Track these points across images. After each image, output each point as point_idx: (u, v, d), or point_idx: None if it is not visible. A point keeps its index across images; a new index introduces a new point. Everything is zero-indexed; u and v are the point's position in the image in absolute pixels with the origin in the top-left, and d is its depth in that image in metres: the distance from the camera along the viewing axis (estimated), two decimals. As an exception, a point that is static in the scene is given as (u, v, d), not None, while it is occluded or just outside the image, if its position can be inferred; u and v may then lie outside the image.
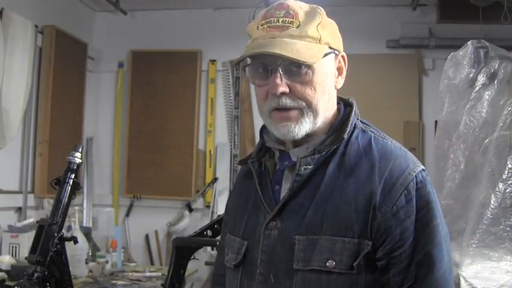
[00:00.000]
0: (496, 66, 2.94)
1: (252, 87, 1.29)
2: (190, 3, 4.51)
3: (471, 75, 2.98)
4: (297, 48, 1.06)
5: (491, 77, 2.93)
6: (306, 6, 1.13)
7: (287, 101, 1.10)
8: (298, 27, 1.09)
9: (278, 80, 1.08)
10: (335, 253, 1.06)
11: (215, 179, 4.41)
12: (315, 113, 1.11)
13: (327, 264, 1.06)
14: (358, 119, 1.19)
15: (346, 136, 1.13)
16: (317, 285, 1.07)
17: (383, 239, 1.06)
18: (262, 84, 1.12)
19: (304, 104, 1.10)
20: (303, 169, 1.12)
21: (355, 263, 1.05)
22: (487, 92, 2.92)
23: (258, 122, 1.20)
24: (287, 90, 1.09)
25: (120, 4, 4.44)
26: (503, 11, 3.78)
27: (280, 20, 1.10)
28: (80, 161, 1.99)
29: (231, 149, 4.50)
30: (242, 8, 4.22)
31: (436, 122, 3.71)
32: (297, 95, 1.10)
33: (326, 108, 1.14)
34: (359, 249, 1.06)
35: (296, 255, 1.09)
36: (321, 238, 1.08)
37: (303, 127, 1.11)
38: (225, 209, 1.38)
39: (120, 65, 4.67)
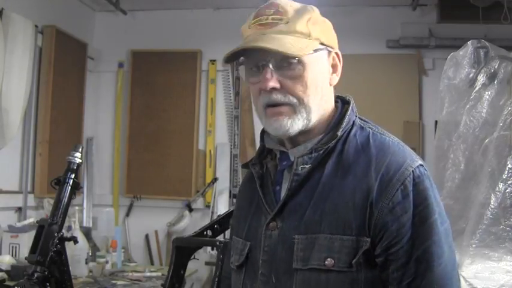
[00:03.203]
0: (496, 66, 2.95)
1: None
2: (190, 3, 4.51)
3: (471, 75, 2.98)
4: (283, 42, 1.07)
5: (491, 77, 2.93)
6: (296, 5, 1.13)
7: (278, 96, 1.10)
8: (286, 23, 1.10)
9: (268, 75, 1.09)
10: (333, 251, 1.06)
11: (215, 179, 4.41)
12: (307, 109, 1.11)
13: (326, 262, 1.06)
14: (356, 116, 1.19)
15: (340, 133, 1.13)
16: (317, 284, 1.07)
17: (380, 236, 1.05)
18: (255, 82, 1.13)
19: (295, 100, 1.10)
20: (300, 168, 1.12)
21: (353, 261, 1.05)
22: (487, 92, 2.93)
23: (258, 122, 1.21)
24: (277, 85, 1.09)
25: (120, 4, 4.44)
26: (503, 11, 3.78)
27: (270, 17, 1.10)
28: (80, 161, 1.99)
29: (231, 149, 4.50)
30: (242, 8, 4.21)
31: (436, 122, 3.70)
32: (288, 91, 1.10)
33: (319, 105, 1.13)
34: (357, 247, 1.05)
35: (295, 255, 1.09)
36: (319, 237, 1.07)
37: (296, 123, 1.11)
38: (233, 215, 1.40)
39: (120, 65, 4.67)
